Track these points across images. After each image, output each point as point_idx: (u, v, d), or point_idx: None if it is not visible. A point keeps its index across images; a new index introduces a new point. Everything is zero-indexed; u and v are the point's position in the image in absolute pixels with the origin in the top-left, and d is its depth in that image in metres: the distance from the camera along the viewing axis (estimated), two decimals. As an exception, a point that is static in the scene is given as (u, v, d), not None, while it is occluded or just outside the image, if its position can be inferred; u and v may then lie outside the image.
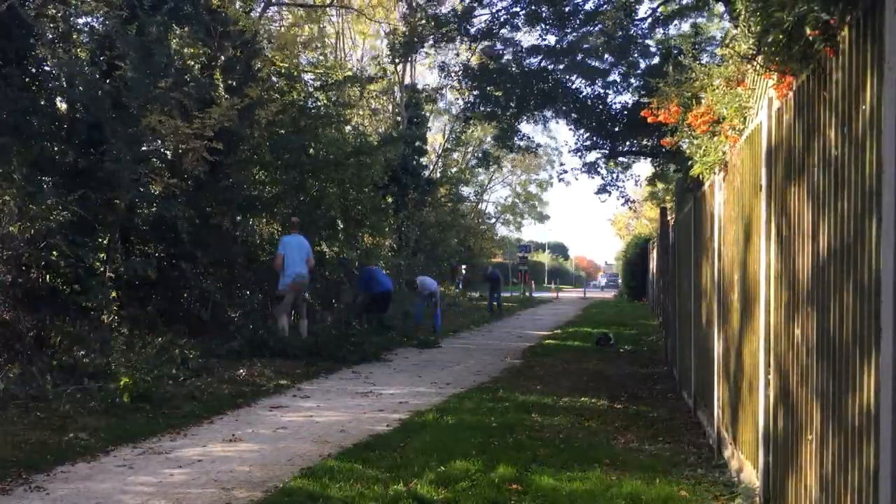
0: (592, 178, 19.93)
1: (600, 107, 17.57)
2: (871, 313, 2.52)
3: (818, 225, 3.18)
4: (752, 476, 4.65)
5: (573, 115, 17.64)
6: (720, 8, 16.02)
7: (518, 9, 16.91)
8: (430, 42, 18.11)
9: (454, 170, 34.12)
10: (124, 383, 7.68)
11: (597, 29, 16.46)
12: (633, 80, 17.33)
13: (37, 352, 8.60)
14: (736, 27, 4.61)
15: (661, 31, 17.95)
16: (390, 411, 7.95)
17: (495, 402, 8.31)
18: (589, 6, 16.84)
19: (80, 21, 11.44)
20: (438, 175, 30.00)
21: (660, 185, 19.85)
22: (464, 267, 32.35)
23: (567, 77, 17.45)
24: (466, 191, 38.78)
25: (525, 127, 21.97)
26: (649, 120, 6.44)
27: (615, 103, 17.72)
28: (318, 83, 16.42)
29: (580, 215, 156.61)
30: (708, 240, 6.62)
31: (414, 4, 17.31)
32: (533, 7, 16.59)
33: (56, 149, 10.12)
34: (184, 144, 10.97)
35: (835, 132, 2.93)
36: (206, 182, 12.18)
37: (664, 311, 13.87)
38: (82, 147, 9.98)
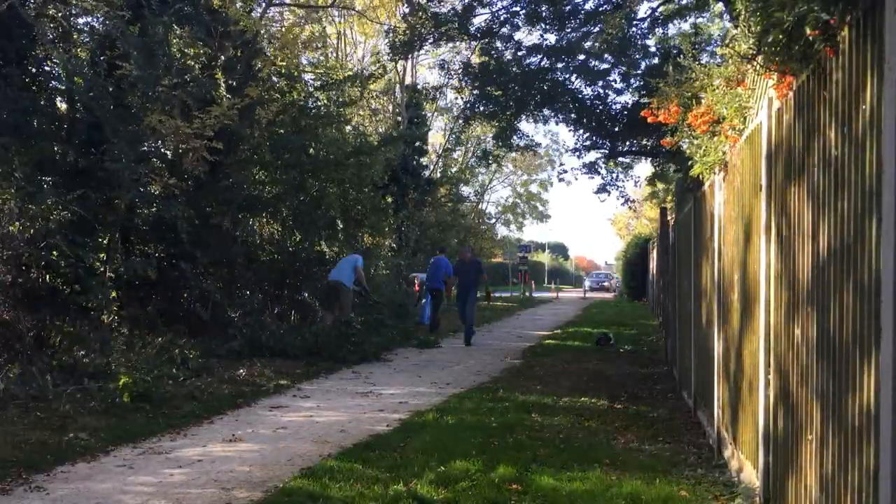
0: (592, 178, 19.95)
1: (600, 107, 17.58)
2: (871, 313, 2.52)
3: (818, 225, 3.18)
4: (752, 476, 4.65)
5: (573, 115, 17.65)
6: (720, 7, 16.02)
7: (518, 8, 16.92)
8: (431, 41, 18.12)
9: (454, 169, 34.12)
10: (124, 383, 7.68)
11: (597, 29, 16.46)
12: (633, 80, 17.33)
13: (37, 352, 8.60)
14: (736, 27, 4.61)
15: (661, 31, 17.96)
16: (390, 411, 7.95)
17: (495, 402, 8.31)
18: (589, 6, 16.85)
19: (80, 21, 11.46)
20: (438, 175, 30.01)
21: (660, 186, 19.84)
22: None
23: (567, 77, 17.45)
24: (466, 191, 38.82)
25: (525, 126, 22.01)
26: (649, 120, 6.44)
27: (615, 103, 17.73)
28: (319, 83, 16.42)
29: (580, 215, 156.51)
30: (708, 240, 6.62)
31: (415, 3, 17.29)
32: (533, 7, 16.60)
33: (56, 149, 10.13)
34: (184, 144, 10.98)
35: (835, 132, 2.93)
36: (206, 182, 12.19)
37: (664, 311, 13.87)
38: (82, 147, 9.98)
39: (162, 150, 12.19)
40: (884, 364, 2.33)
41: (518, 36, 17.49)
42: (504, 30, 17.34)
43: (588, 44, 17.04)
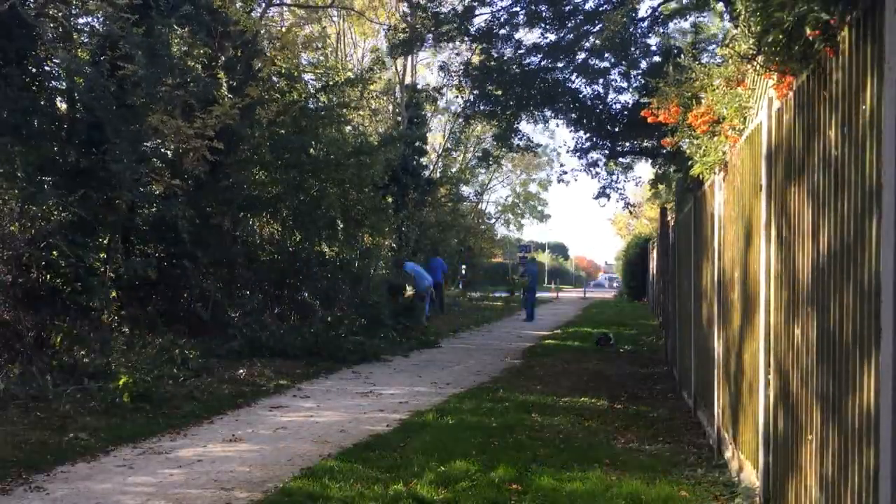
0: (592, 177, 19.89)
1: (600, 106, 17.55)
2: (871, 313, 2.52)
3: (818, 225, 3.18)
4: (752, 476, 4.65)
5: (573, 114, 17.62)
6: (720, 7, 16.01)
7: (518, 8, 16.90)
8: (430, 41, 18.11)
9: (454, 170, 34.09)
10: (124, 383, 7.68)
11: (597, 28, 16.44)
12: (633, 80, 17.31)
13: (37, 352, 8.59)
14: (736, 27, 4.60)
15: (661, 31, 17.93)
16: (390, 411, 7.95)
17: (495, 402, 8.31)
18: (589, 5, 16.83)
19: (81, 21, 11.44)
20: (438, 175, 29.96)
21: (661, 188, 19.81)
22: (463, 267, 32.42)
23: (567, 76, 17.44)
24: (466, 191, 38.76)
25: (525, 126, 21.98)
26: (649, 120, 6.44)
27: (615, 103, 17.70)
28: (319, 84, 16.42)
29: (580, 215, 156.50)
30: (708, 240, 6.62)
31: (415, 2, 17.27)
32: (533, 7, 16.58)
33: (56, 149, 10.12)
34: (185, 144, 10.97)
35: (835, 132, 2.93)
36: (207, 182, 12.19)
37: (664, 311, 13.87)
38: (83, 147, 9.98)
39: (162, 150, 12.19)
40: (884, 364, 2.33)
41: (518, 35, 17.43)
42: (504, 30, 17.33)
43: (588, 43, 17.02)
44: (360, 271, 16.63)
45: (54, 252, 9.30)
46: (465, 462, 5.67)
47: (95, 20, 11.37)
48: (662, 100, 6.21)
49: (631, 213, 29.60)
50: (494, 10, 17.15)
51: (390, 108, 27.03)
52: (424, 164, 26.99)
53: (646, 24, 17.43)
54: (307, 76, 16.61)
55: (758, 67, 3.98)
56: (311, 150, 14.73)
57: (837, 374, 2.92)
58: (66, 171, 9.91)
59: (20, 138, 9.34)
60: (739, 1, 3.89)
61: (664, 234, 13.46)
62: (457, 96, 24.36)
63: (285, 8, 18.49)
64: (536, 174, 50.02)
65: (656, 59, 16.27)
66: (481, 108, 18.58)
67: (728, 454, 5.64)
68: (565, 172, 21.30)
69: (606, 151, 18.82)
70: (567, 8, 16.36)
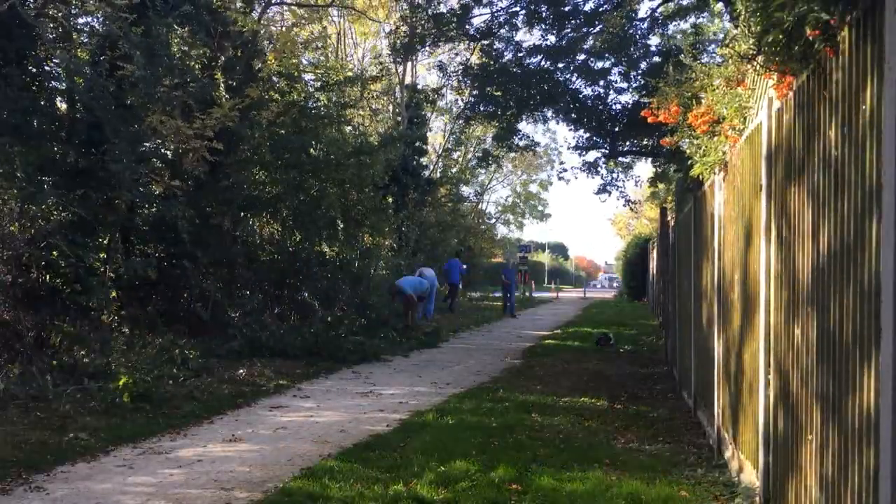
0: (592, 177, 19.94)
1: (600, 107, 17.57)
2: (871, 313, 2.52)
3: (818, 225, 3.18)
4: (752, 476, 4.65)
5: (573, 115, 17.64)
6: (720, 7, 16.01)
7: (518, 8, 16.91)
8: (430, 42, 18.11)
9: (454, 170, 34.09)
10: (124, 383, 7.68)
11: (597, 29, 16.45)
12: (633, 80, 17.32)
13: (37, 352, 8.59)
14: (736, 27, 4.60)
15: (661, 31, 17.94)
16: (390, 411, 7.94)
17: (495, 402, 8.31)
18: (589, 6, 16.84)
19: (80, 21, 11.44)
20: (438, 175, 29.96)
21: (660, 186, 19.84)
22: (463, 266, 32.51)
23: (567, 77, 17.44)
24: (466, 191, 38.77)
25: (525, 126, 21.99)
26: (649, 120, 6.44)
27: (615, 103, 17.72)
28: (319, 84, 16.41)
29: (580, 215, 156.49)
30: (708, 240, 6.62)
31: (415, 2, 17.28)
32: (532, 7, 16.59)
33: (56, 149, 10.13)
34: (184, 144, 10.97)
35: (835, 132, 2.93)
36: (207, 182, 12.19)
37: (664, 312, 13.87)
38: (83, 147, 9.98)
39: (162, 150, 12.19)
40: (884, 364, 2.33)
41: (518, 36, 17.46)
42: (503, 31, 17.34)
43: (588, 44, 17.02)
44: (360, 271, 16.64)
45: (54, 252, 9.30)
46: (465, 462, 5.67)
47: (95, 20, 11.37)
48: (662, 100, 6.21)
49: (632, 209, 29.61)
50: (494, 10, 17.15)
51: (390, 108, 27.02)
52: (424, 164, 26.99)
53: (645, 24, 17.43)
54: (307, 76, 16.62)
55: (758, 67, 3.98)
56: (312, 151, 14.73)
57: (837, 374, 2.92)
58: (65, 171, 9.92)
59: (20, 138, 9.34)
60: (739, 1, 3.89)
61: (664, 234, 13.46)
62: (456, 98, 24.38)
63: (285, 7, 18.47)
64: (537, 175, 50.07)
65: (656, 59, 16.27)
66: (481, 108, 18.59)
67: (728, 454, 5.64)
68: (565, 170, 21.33)
69: (606, 150, 18.83)
70: (567, 8, 16.36)
